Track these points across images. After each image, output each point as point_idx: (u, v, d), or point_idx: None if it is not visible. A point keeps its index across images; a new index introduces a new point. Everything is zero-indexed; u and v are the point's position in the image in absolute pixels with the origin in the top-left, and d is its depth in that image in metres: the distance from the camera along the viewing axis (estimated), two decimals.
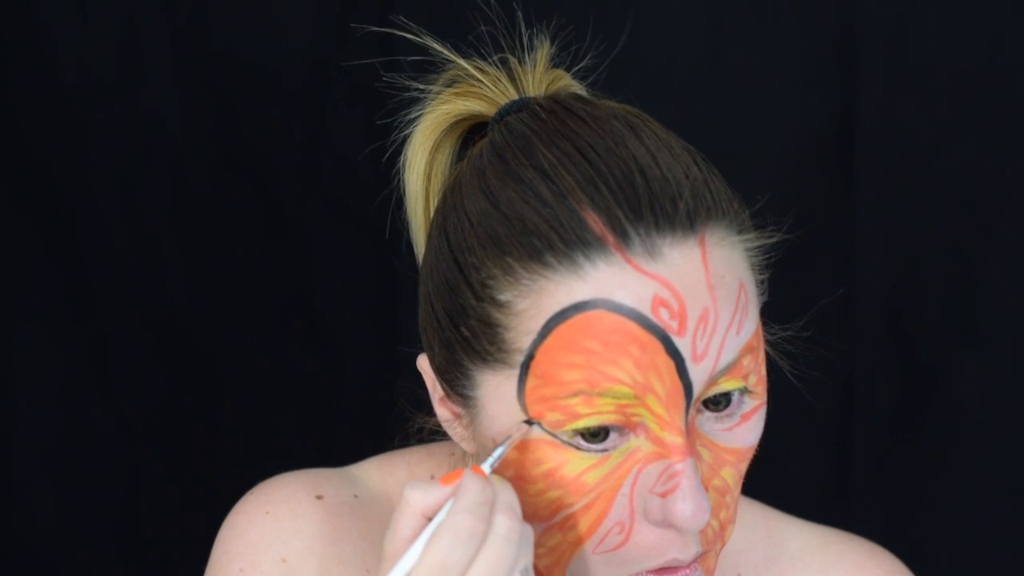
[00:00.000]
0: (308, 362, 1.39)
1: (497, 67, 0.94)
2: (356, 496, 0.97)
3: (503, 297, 0.80)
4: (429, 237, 0.88)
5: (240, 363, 1.40)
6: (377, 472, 1.00)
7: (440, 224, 0.86)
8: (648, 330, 0.77)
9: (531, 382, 0.79)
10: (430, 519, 0.78)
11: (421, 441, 0.97)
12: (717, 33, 1.33)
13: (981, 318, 1.38)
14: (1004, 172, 1.35)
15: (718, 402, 0.82)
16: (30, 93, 1.30)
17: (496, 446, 0.82)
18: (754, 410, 0.84)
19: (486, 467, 0.79)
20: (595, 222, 0.78)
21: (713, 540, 0.85)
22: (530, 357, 0.79)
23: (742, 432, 0.84)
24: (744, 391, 0.83)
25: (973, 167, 1.35)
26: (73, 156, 1.33)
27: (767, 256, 0.85)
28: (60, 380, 1.37)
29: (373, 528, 0.96)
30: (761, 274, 0.85)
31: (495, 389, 0.82)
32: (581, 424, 0.79)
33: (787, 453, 1.38)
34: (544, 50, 0.94)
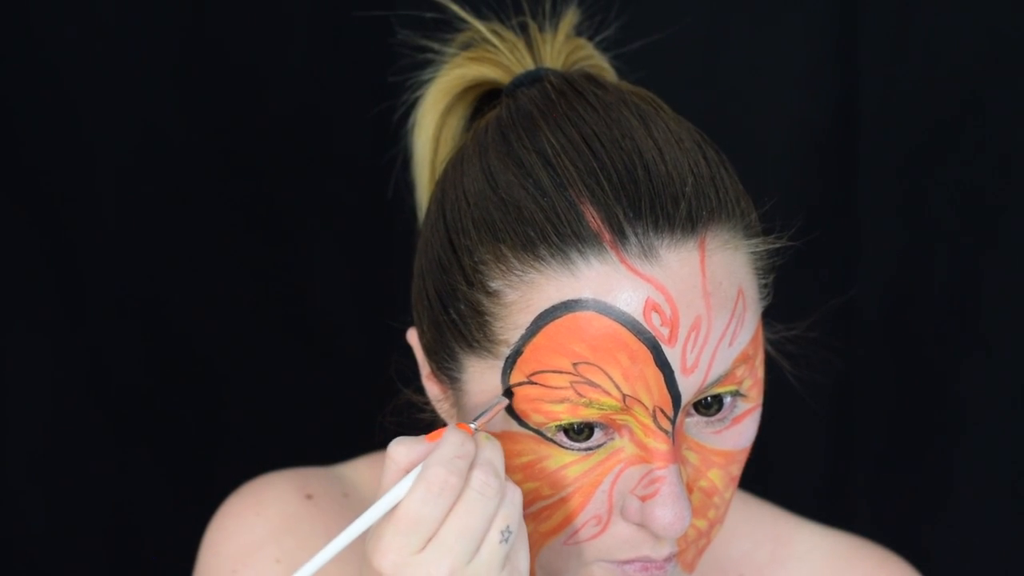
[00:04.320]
0: (306, 362, 1.38)
1: (516, 32, 0.90)
2: (346, 495, 0.96)
3: (494, 285, 0.78)
4: (428, 210, 0.86)
5: (237, 363, 1.38)
6: (367, 470, 0.98)
7: (439, 198, 0.84)
8: (638, 336, 0.75)
9: (516, 377, 0.77)
10: None
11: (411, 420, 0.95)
12: (716, 32, 1.30)
13: (982, 318, 1.35)
14: (1006, 171, 1.32)
15: (709, 406, 0.80)
16: (28, 93, 1.28)
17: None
18: (746, 413, 0.82)
19: (473, 425, 0.77)
20: (593, 217, 0.75)
21: (696, 539, 0.83)
22: (517, 352, 0.77)
23: (732, 435, 0.81)
24: (736, 394, 0.80)
25: (975, 166, 1.32)
26: (71, 156, 1.31)
27: (772, 259, 0.82)
28: (54, 381, 1.36)
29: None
30: (764, 277, 0.82)
31: (480, 375, 0.80)
32: (565, 422, 0.77)
33: (787, 453, 1.37)
34: (568, 18, 0.91)
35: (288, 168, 1.33)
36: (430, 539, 0.72)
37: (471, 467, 0.73)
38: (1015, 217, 1.32)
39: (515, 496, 0.74)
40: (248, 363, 1.38)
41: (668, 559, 0.81)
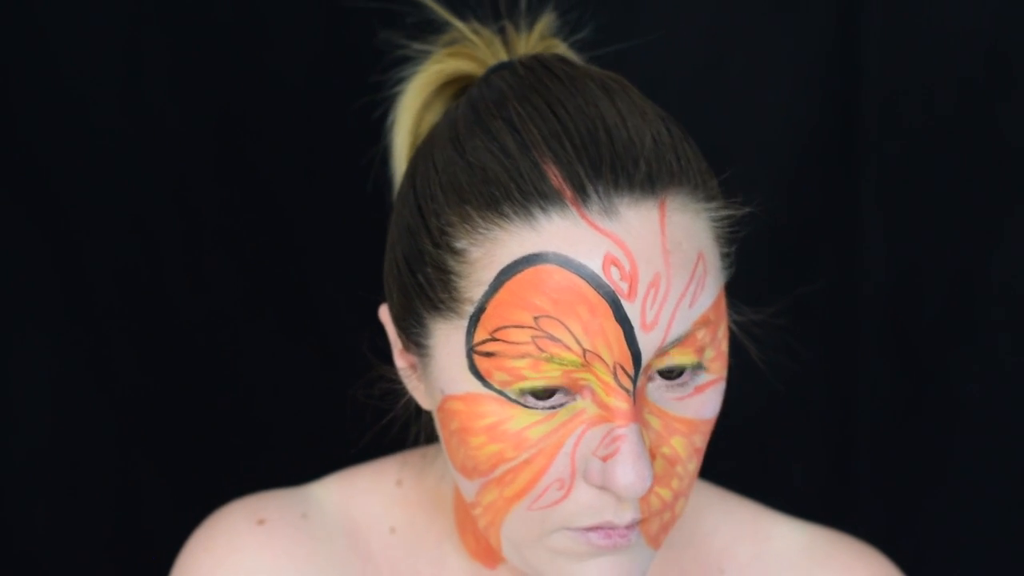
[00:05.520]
0: (307, 363, 1.39)
1: (493, 31, 0.95)
2: (304, 515, 0.97)
3: (459, 245, 0.80)
4: (400, 186, 0.89)
5: (238, 363, 1.39)
6: (337, 487, 0.99)
7: (410, 173, 0.87)
8: (597, 290, 0.76)
9: (479, 335, 0.79)
10: None
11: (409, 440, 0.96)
12: (717, 31, 1.33)
13: (983, 319, 1.36)
14: (1006, 170, 1.33)
15: (671, 370, 0.81)
16: (29, 92, 1.31)
17: (442, 395, 0.81)
18: (709, 383, 0.83)
19: None
20: (555, 175, 0.78)
21: (661, 510, 0.83)
22: (480, 309, 0.79)
23: (695, 404, 0.82)
24: (698, 366, 0.81)
25: (975, 165, 1.33)
26: (71, 154, 1.33)
27: (734, 229, 0.84)
28: (56, 380, 1.37)
29: (320, 549, 0.95)
30: (727, 247, 0.84)
31: (446, 339, 0.82)
32: (528, 385, 0.79)
33: (787, 453, 1.36)
34: (544, 20, 0.95)
35: (290, 167, 1.35)
36: None
37: None
38: (1016, 216, 1.33)
39: None
40: (248, 359, 1.39)
41: (631, 526, 0.81)
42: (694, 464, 0.84)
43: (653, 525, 0.83)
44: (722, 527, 0.98)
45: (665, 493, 0.83)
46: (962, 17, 1.30)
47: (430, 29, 0.95)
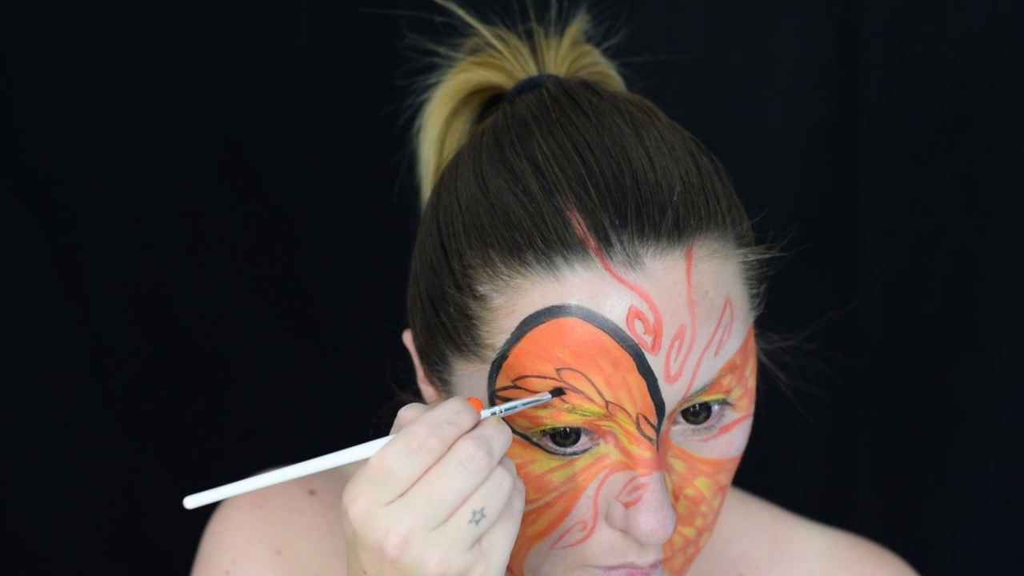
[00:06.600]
0: (309, 362, 1.39)
1: (521, 38, 0.91)
2: None
3: (481, 290, 0.78)
4: (424, 213, 0.87)
5: (240, 363, 1.39)
6: None
7: (434, 202, 0.85)
8: (621, 344, 0.75)
9: (501, 381, 0.78)
10: None
11: None
12: (718, 30, 1.30)
13: (982, 320, 1.34)
14: (1007, 172, 1.31)
15: (697, 413, 0.80)
16: (30, 93, 1.30)
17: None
18: (735, 423, 0.81)
19: (487, 412, 0.75)
20: (579, 224, 0.76)
21: (684, 546, 0.83)
22: (503, 357, 0.77)
23: (719, 444, 0.81)
24: (724, 403, 0.80)
25: (976, 167, 1.31)
26: (73, 156, 1.32)
27: (763, 270, 0.81)
28: (58, 380, 1.37)
29: None
30: (756, 287, 0.81)
31: (468, 378, 0.80)
32: (549, 427, 0.78)
33: (789, 456, 1.36)
34: (576, 25, 0.91)
35: (292, 169, 1.34)
36: (400, 495, 0.71)
37: (464, 438, 0.72)
38: (1016, 217, 1.31)
39: (503, 483, 0.72)
40: (250, 361, 1.39)
41: (653, 566, 0.81)
42: (718, 501, 0.83)
43: (676, 561, 0.83)
44: (741, 531, 0.98)
45: (688, 532, 0.82)
46: (962, 16, 1.27)
47: (455, 33, 0.91)
